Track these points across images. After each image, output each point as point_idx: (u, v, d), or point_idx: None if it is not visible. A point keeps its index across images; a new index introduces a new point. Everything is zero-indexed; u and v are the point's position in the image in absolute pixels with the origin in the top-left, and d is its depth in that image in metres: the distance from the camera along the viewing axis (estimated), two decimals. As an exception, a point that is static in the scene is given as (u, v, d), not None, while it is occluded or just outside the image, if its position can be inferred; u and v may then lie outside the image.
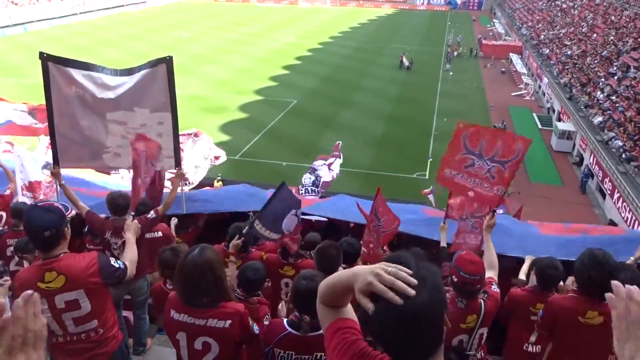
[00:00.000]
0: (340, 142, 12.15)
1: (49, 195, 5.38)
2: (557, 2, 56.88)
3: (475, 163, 4.42)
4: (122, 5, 72.83)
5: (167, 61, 4.73)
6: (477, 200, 4.60)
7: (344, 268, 4.28)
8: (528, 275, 4.49)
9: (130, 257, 3.50)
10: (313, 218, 6.56)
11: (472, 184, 4.47)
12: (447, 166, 4.60)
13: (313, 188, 10.21)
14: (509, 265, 5.20)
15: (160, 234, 5.19)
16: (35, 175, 5.48)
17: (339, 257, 3.74)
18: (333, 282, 1.62)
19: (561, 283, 4.26)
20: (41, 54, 4.57)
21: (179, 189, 5.09)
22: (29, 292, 1.29)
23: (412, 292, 1.30)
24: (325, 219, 6.58)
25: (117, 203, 4.55)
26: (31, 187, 5.53)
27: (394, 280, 1.32)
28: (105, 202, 4.70)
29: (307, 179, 10.40)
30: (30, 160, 5.54)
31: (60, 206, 3.16)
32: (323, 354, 1.70)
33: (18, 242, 4.58)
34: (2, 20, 54.55)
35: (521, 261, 4.95)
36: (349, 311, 1.69)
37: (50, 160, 5.33)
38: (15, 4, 59.93)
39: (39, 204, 3.25)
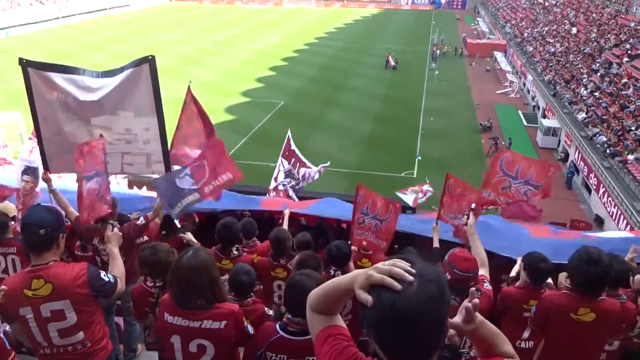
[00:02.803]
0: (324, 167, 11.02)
1: (28, 203, 5.17)
2: (539, 0, 57.48)
3: (512, 185, 4.71)
4: (105, 9, 72.14)
5: (150, 61, 4.57)
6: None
7: (335, 271, 4.28)
8: (519, 273, 4.51)
9: (117, 271, 3.44)
10: (302, 220, 6.54)
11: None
12: (485, 188, 4.88)
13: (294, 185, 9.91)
14: (500, 263, 5.23)
15: (146, 237, 5.12)
16: (9, 180, 5.30)
17: (318, 268, 3.73)
18: (330, 288, 1.62)
19: (554, 280, 4.29)
20: (20, 60, 4.47)
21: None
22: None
23: (410, 277, 1.31)
24: (315, 221, 6.57)
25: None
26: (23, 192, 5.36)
27: (391, 268, 1.33)
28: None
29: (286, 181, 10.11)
30: (15, 167, 5.35)
31: (60, 212, 3.14)
32: (315, 358, 1.70)
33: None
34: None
35: (512, 259, 4.99)
36: (339, 318, 1.70)
37: (33, 162, 5.24)
38: (-4, 8, 59.14)
39: (41, 204, 3.24)
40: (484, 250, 3.99)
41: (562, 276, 4.40)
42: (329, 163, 11.26)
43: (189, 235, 4.74)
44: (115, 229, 3.86)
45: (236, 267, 3.81)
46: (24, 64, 4.47)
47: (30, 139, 5.76)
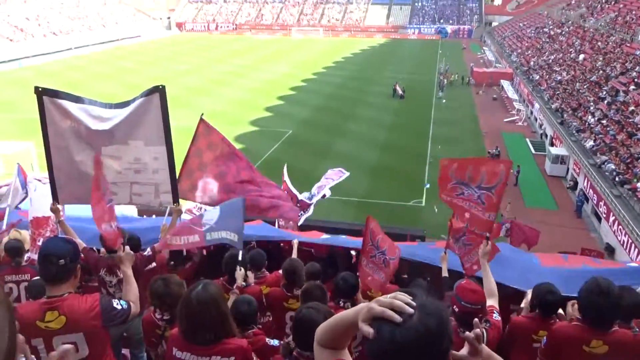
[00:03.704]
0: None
1: (56, 233, 5.21)
2: (544, 29, 58.06)
3: (465, 192, 4.55)
4: (117, 40, 73.68)
5: (161, 90, 4.68)
6: (474, 223, 4.66)
7: (344, 302, 4.26)
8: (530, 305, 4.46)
9: (131, 294, 3.46)
10: (313, 249, 6.53)
11: (467, 206, 4.56)
12: (442, 193, 4.75)
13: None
14: (508, 293, 5.18)
15: (154, 264, 5.11)
16: (43, 211, 5.28)
17: (324, 298, 3.72)
18: (336, 322, 1.63)
19: (564, 310, 4.24)
20: (36, 88, 4.56)
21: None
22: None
23: (410, 310, 1.31)
24: (325, 251, 6.55)
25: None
26: (36, 223, 5.38)
27: (392, 301, 1.35)
28: (100, 239, 4.67)
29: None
30: (40, 195, 5.33)
31: (76, 242, 3.19)
32: None
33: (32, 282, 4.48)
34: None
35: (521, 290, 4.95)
36: (346, 353, 1.71)
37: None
38: (11, 40, 60.57)
39: (58, 236, 3.28)
40: (493, 280, 3.96)
41: (569, 305, 4.34)
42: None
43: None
44: (127, 248, 3.87)
45: (238, 297, 3.81)
46: (40, 92, 4.55)
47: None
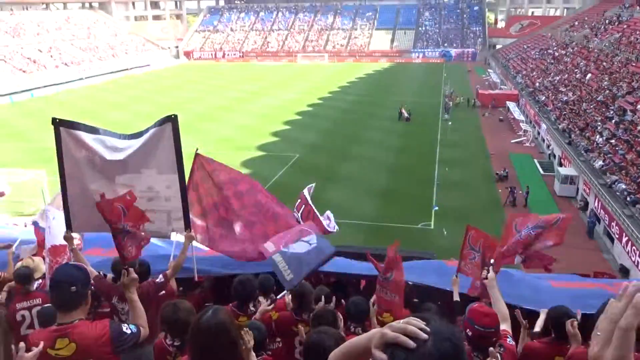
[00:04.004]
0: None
1: (60, 262, 5.26)
2: (549, 50, 58.41)
3: (522, 233, 4.73)
4: (127, 69, 74.90)
5: (173, 120, 4.77)
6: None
7: (355, 327, 4.22)
8: (543, 327, 4.39)
9: (139, 318, 3.46)
10: (321, 274, 6.48)
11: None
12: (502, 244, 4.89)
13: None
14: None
15: (162, 292, 5.10)
16: (61, 239, 5.24)
17: (335, 323, 3.68)
18: (349, 349, 1.62)
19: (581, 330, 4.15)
20: (53, 120, 4.64)
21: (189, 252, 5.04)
22: None
23: (424, 335, 1.29)
24: (334, 277, 6.50)
25: (121, 269, 4.50)
26: (54, 251, 5.40)
27: (405, 326, 1.33)
28: (111, 268, 4.70)
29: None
30: (58, 223, 5.37)
31: (86, 268, 3.22)
32: None
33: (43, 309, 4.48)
34: (10, 87, 56.07)
35: (533, 311, 4.87)
36: None
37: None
38: (24, 71, 61.74)
39: (69, 263, 3.31)
40: (505, 305, 3.91)
41: (568, 323, 4.25)
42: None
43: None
44: (132, 271, 3.83)
45: (247, 324, 3.79)
46: (57, 123, 4.64)
47: None
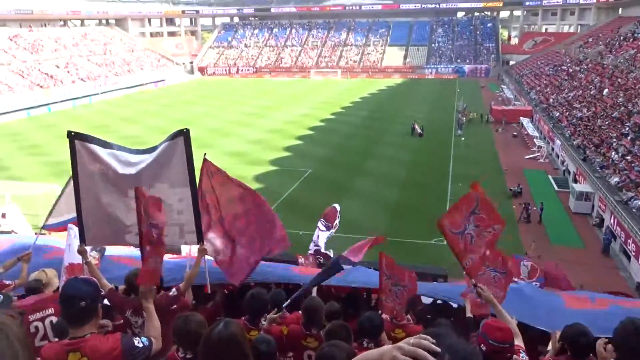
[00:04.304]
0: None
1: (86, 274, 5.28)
2: (563, 67, 58.20)
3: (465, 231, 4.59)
4: (142, 84, 75.93)
5: (185, 134, 4.82)
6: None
7: (368, 343, 4.18)
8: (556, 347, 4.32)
9: (153, 330, 3.46)
10: (333, 288, 6.46)
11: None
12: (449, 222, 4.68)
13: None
14: (535, 334, 5.03)
15: (174, 306, 5.10)
16: (79, 258, 5.29)
17: (348, 338, 3.66)
18: None
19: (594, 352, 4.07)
20: (69, 133, 4.71)
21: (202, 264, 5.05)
22: None
23: (437, 350, 1.28)
24: (345, 290, 6.47)
25: (133, 282, 4.52)
26: (71, 269, 5.42)
27: (415, 350, 1.32)
28: (124, 280, 4.72)
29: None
30: (78, 241, 5.41)
31: (96, 282, 3.22)
32: None
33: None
34: (28, 102, 57.18)
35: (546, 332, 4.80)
36: None
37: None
38: (41, 86, 62.86)
39: (78, 277, 3.32)
40: (510, 319, 3.87)
41: (600, 344, 4.17)
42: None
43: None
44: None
45: (257, 337, 3.77)
46: (72, 136, 4.70)
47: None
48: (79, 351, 3.01)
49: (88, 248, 5.41)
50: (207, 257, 5.23)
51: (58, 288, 5.26)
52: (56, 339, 4.29)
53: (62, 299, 3.18)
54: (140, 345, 3.23)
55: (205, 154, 5.52)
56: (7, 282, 5.27)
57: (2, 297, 4.75)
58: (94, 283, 3.28)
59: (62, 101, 60.85)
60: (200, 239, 5.02)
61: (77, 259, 5.18)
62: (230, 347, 2.74)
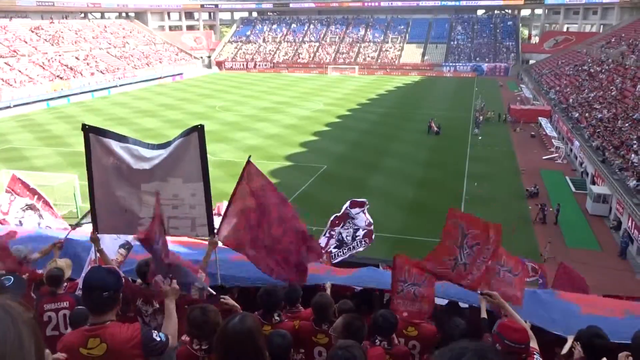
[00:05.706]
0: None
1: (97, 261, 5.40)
2: (584, 67, 57.34)
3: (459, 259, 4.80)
4: (160, 78, 76.51)
5: (199, 130, 4.87)
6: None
7: (381, 340, 4.17)
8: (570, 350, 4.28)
9: (171, 328, 3.50)
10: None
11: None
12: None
13: (353, 244, 10.09)
14: (551, 338, 4.98)
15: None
16: (112, 253, 5.40)
17: (363, 329, 3.66)
18: None
19: None
20: (83, 126, 4.78)
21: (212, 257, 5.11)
22: None
23: None
24: (359, 288, 6.46)
25: (145, 271, 4.60)
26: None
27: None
28: (135, 270, 4.78)
29: (346, 234, 10.24)
30: (110, 238, 5.52)
31: (118, 271, 3.27)
32: None
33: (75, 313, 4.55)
34: (48, 93, 58.01)
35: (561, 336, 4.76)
36: None
37: (130, 240, 5.49)
38: (61, 78, 63.67)
39: (102, 266, 3.36)
40: (524, 323, 3.86)
41: (622, 357, 4.13)
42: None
43: (230, 300, 4.71)
44: (174, 283, 3.92)
45: (272, 331, 3.78)
46: (86, 129, 4.77)
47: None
48: (99, 337, 3.07)
49: (116, 244, 5.54)
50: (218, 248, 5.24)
51: (70, 278, 5.35)
52: (69, 330, 4.37)
53: (85, 288, 3.23)
54: (158, 339, 3.27)
55: (249, 156, 5.51)
56: (39, 272, 5.38)
57: (13, 279, 4.85)
58: (117, 272, 3.32)
59: (81, 93, 61.69)
60: (211, 231, 5.07)
61: (112, 254, 5.31)
62: (245, 340, 2.75)
